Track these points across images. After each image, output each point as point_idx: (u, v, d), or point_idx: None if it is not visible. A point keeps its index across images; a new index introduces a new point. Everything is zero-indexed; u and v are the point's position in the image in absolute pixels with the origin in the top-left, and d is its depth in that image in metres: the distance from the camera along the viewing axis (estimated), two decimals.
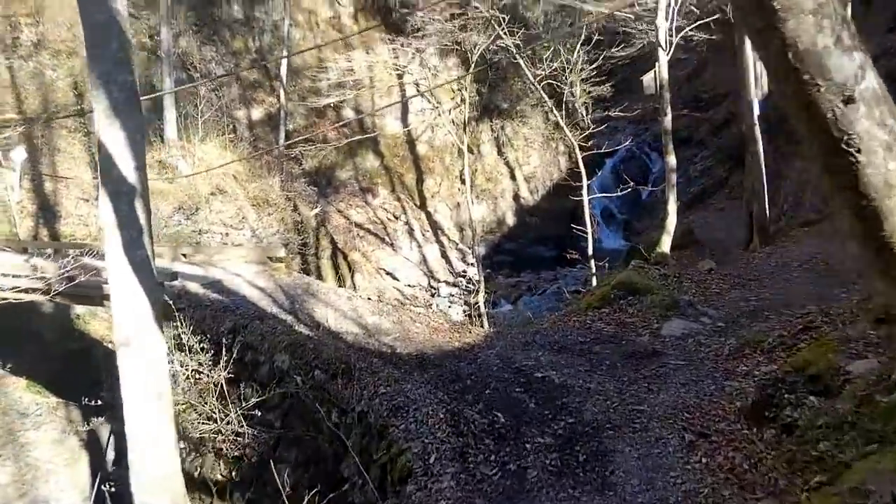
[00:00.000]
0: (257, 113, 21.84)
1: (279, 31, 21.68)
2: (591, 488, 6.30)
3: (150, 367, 6.28)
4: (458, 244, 22.78)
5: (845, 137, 2.10)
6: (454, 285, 21.87)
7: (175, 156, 18.13)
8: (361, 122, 23.16)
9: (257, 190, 19.02)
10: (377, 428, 7.58)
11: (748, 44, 13.99)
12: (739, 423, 7.04)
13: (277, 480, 6.84)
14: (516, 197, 24.93)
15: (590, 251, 16.50)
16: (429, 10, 18.28)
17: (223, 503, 9.76)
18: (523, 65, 16.94)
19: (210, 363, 9.29)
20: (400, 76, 22.40)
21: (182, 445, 9.80)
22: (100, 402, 11.62)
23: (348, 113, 22.78)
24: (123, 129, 6.25)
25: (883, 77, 2.21)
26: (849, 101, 2.07)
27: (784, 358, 8.16)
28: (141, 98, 6.92)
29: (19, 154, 16.07)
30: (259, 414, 8.62)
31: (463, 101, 21.06)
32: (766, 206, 14.02)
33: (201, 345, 9.42)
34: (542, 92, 17.75)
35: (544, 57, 17.96)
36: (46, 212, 16.64)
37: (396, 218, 22.50)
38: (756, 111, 13.68)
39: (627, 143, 19.63)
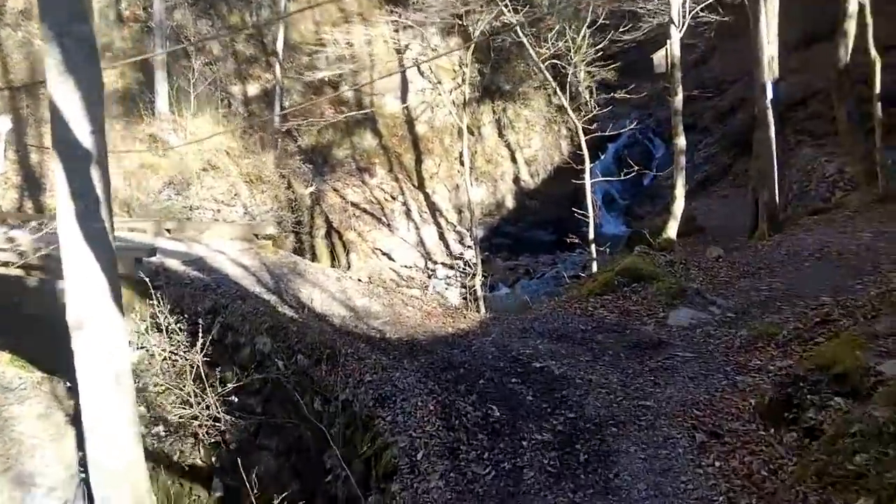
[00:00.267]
0: (253, 89, 21.01)
1: (277, 6, 20.79)
2: (593, 492, 5.64)
3: (107, 352, 5.60)
4: (455, 226, 22.04)
5: None
6: (451, 267, 21.17)
7: (166, 129, 17.36)
8: (360, 100, 22.33)
9: (250, 166, 18.26)
10: (362, 418, 6.92)
11: (763, 24, 13.22)
12: (755, 423, 6.37)
13: (245, 482, 6.18)
14: (516, 180, 24.16)
15: (591, 236, 15.79)
16: None
17: (202, 489, 9.13)
18: (527, 44, 16.12)
19: (188, 344, 8.61)
20: (399, 51, 21.51)
21: (160, 428, 9.17)
22: None
23: (346, 92, 21.94)
24: (79, 89, 5.54)
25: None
26: None
27: (800, 353, 7.50)
28: (120, 63, 6.20)
29: (4, 124, 15.34)
30: (237, 400, 7.94)
31: (464, 80, 20.26)
32: (776, 193, 13.27)
33: (178, 325, 8.73)
34: (545, 73, 16.94)
35: (549, 36, 17.11)
36: (31, 183, 15.92)
37: (394, 198, 21.74)
38: (769, 94, 12.91)
39: (633, 126, 18.78)
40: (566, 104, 16.79)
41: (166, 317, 8.68)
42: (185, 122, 17.97)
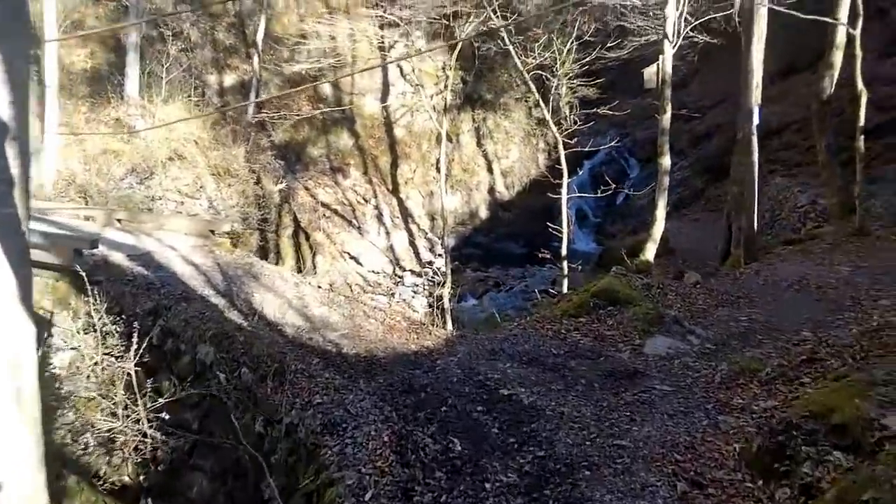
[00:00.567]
0: (230, 79, 19.97)
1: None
2: None
3: (8, 364, 4.63)
4: (427, 233, 21.20)
5: None
6: (420, 275, 20.31)
7: (133, 115, 16.24)
8: (339, 99, 21.40)
9: (219, 158, 17.20)
10: (307, 446, 6.02)
11: (755, 47, 12.66)
12: (741, 473, 5.62)
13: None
14: (491, 190, 23.42)
15: (563, 252, 15.05)
16: None
17: None
18: (513, 51, 15.36)
19: (123, 348, 7.62)
20: (382, 48, 20.62)
21: (88, 438, 8.13)
22: None
23: (325, 88, 21.00)
24: None
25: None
26: None
27: (785, 393, 6.80)
28: (73, 35, 5.24)
29: None
30: (168, 418, 6.98)
31: (446, 86, 19.47)
32: (755, 220, 12.68)
33: (115, 326, 7.74)
34: (530, 83, 16.20)
35: (536, 47, 16.38)
36: None
37: (366, 201, 20.83)
38: (756, 119, 12.33)
39: (612, 143, 18.15)
40: (548, 117, 16.07)
41: (101, 317, 7.68)
42: (155, 109, 16.85)
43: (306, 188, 19.72)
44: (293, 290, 8.90)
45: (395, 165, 21.82)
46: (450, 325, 13.21)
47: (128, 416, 7.14)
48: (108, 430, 7.27)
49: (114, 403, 7.52)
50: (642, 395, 7.08)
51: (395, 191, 21.58)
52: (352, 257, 19.84)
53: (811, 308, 9.49)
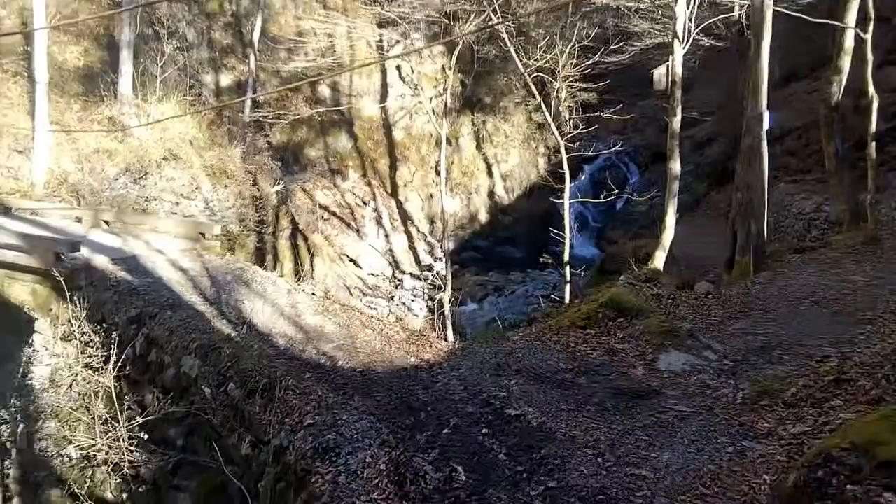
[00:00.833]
0: (227, 79, 19.31)
1: None
2: None
3: None
4: (426, 236, 20.57)
5: None
6: (419, 278, 19.68)
7: (127, 113, 15.57)
8: (337, 100, 20.75)
9: (215, 159, 16.56)
10: (297, 472, 5.37)
11: (764, 50, 12.04)
12: None
13: None
14: (491, 194, 22.79)
15: (566, 257, 14.44)
16: None
17: None
18: (514, 53, 14.73)
19: (104, 358, 6.97)
20: (380, 47, 19.95)
21: (72, 451, 7.48)
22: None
23: (324, 89, 20.35)
24: None
25: None
26: None
27: (815, 416, 6.18)
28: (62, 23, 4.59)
29: None
30: (151, 432, 6.32)
31: (445, 89, 18.85)
32: (765, 227, 12.07)
33: (97, 334, 7.09)
34: (531, 85, 15.58)
35: (537, 50, 15.77)
36: None
37: (365, 203, 20.19)
38: (766, 124, 11.72)
39: (615, 148, 17.55)
40: (550, 120, 15.45)
41: (80, 325, 7.02)
42: (150, 108, 16.19)
43: (304, 190, 19.07)
44: (286, 298, 8.26)
45: (394, 168, 21.19)
46: (451, 333, 12.58)
47: (106, 433, 6.49)
48: (84, 449, 6.61)
49: (93, 418, 6.88)
50: (659, 416, 6.46)
51: (394, 193, 20.94)
52: (350, 260, 19.20)
53: (829, 321, 8.89)
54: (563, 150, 15.01)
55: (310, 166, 19.72)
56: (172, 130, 16.28)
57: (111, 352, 6.58)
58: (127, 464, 6.69)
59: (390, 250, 19.84)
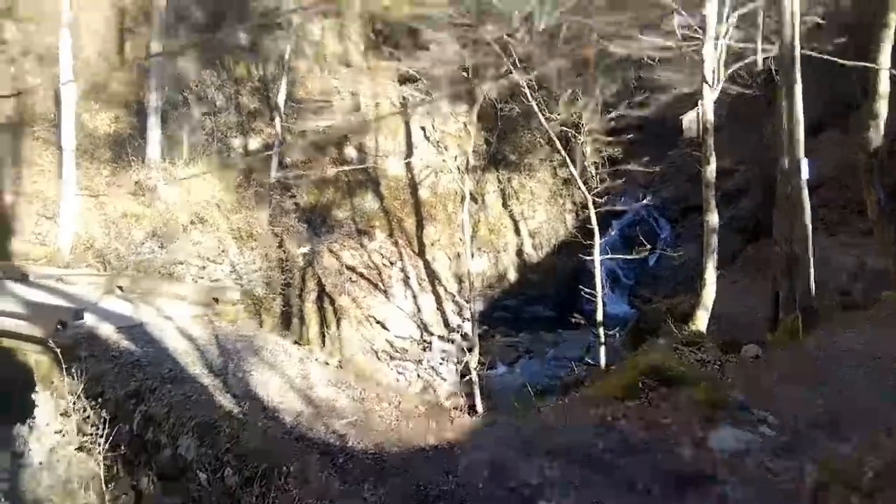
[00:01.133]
0: (255, 143, 19.19)
1: (285, 61, 19.17)
2: None
3: None
4: (454, 296, 19.80)
5: None
6: (448, 340, 18.84)
7: (154, 177, 15.36)
8: (363, 162, 20.47)
9: (242, 221, 16.22)
10: None
11: (797, 93, 11.32)
12: None
13: None
14: (519, 252, 22.05)
15: (599, 317, 13.52)
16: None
17: None
18: (535, 107, 14.22)
19: (103, 437, 6.24)
20: (404, 104, 19.69)
21: None
22: None
23: (349, 150, 20.11)
24: None
25: None
26: None
27: None
28: None
29: None
30: None
31: (468, 144, 18.45)
32: (812, 283, 11.07)
33: (94, 410, 6.41)
34: (555, 139, 15.03)
35: (560, 103, 15.31)
36: (1, 227, 13.82)
37: (392, 264, 19.58)
38: (805, 173, 10.90)
39: (644, 201, 16.79)
40: (576, 175, 14.82)
41: (77, 399, 6.37)
42: (177, 171, 16.02)
43: (331, 251, 18.58)
44: (297, 367, 7.54)
45: (420, 227, 20.67)
46: (479, 400, 11.65)
47: None
48: None
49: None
50: None
51: (421, 253, 20.34)
52: (378, 322, 18.48)
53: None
54: (590, 205, 14.31)
55: (337, 227, 19.30)
56: (199, 194, 16.05)
57: (103, 431, 5.88)
58: None
59: (418, 311, 19.10)
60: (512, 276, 21.65)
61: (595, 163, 22.65)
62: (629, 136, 19.79)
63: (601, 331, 13.17)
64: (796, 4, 10.77)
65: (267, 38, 19.68)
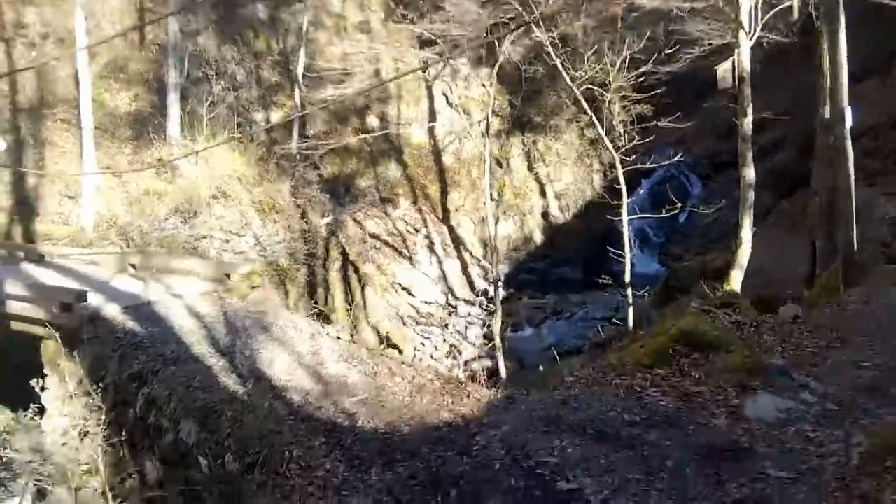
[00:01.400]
0: (276, 116, 18.68)
1: (304, 32, 18.49)
2: None
3: None
4: (480, 261, 19.24)
5: None
6: (474, 304, 18.36)
7: (175, 154, 15.00)
8: (385, 130, 19.82)
9: (264, 194, 15.83)
10: None
11: (841, 38, 10.25)
12: None
13: None
14: (545, 214, 21.29)
15: (627, 277, 12.84)
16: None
17: None
18: (560, 66, 13.35)
19: (104, 421, 5.92)
20: (424, 71, 18.91)
21: None
22: None
23: (371, 119, 19.48)
24: None
25: None
26: None
27: None
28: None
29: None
30: None
31: (494, 112, 17.62)
32: (854, 236, 10.16)
33: (98, 393, 6.07)
34: (581, 99, 14.14)
35: (586, 60, 14.32)
36: (25, 208, 13.68)
37: (416, 231, 19.07)
38: (849, 121, 9.91)
39: (674, 159, 15.84)
40: (603, 135, 13.96)
41: (79, 384, 6.03)
42: (198, 147, 15.62)
43: (355, 220, 18.13)
44: (308, 344, 7.09)
45: (444, 193, 20.04)
46: (502, 364, 11.14)
47: None
48: None
49: (94, 491, 5.83)
50: (754, 486, 4.87)
51: (445, 219, 19.76)
52: (403, 288, 18.07)
53: None
54: (618, 164, 13.50)
55: (360, 196, 18.81)
56: (221, 168, 15.67)
57: (105, 415, 5.54)
58: None
59: (443, 277, 18.62)
60: (538, 238, 20.95)
61: (623, 121, 21.54)
62: (659, 93, 18.66)
63: (629, 291, 12.50)
64: None
65: (285, 11, 19.01)
